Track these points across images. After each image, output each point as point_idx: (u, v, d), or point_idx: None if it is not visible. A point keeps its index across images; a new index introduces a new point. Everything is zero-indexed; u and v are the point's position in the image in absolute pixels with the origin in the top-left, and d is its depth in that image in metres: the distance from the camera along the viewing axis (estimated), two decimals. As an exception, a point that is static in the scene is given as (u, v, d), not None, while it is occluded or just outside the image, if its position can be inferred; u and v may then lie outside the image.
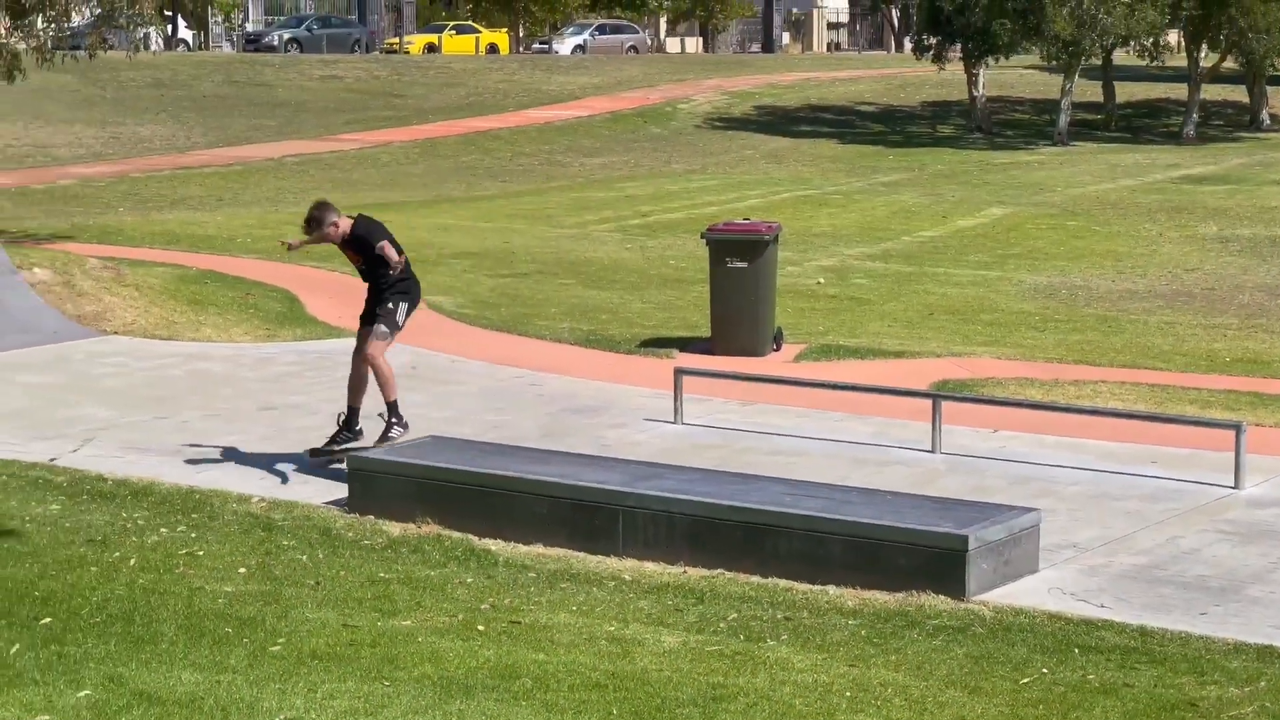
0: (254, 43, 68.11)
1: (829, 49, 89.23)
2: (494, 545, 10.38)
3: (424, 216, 29.35)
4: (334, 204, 12.26)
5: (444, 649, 8.34)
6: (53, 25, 22.12)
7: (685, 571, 9.85)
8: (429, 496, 10.85)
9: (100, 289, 18.29)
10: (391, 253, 11.79)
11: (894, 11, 74.43)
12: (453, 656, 8.24)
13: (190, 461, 12.24)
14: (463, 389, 14.88)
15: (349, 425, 12.13)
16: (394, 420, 11.95)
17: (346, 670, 7.97)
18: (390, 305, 11.98)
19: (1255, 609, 9.15)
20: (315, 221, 12.01)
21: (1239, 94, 54.07)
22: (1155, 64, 51.10)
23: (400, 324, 12.03)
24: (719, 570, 9.83)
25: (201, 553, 10.03)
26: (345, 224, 12.01)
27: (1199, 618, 9.01)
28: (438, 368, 15.84)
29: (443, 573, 9.80)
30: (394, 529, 10.68)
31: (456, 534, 10.57)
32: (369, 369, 11.97)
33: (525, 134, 45.52)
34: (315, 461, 12.09)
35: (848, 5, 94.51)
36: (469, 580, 9.67)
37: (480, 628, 8.74)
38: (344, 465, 11.56)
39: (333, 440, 12.15)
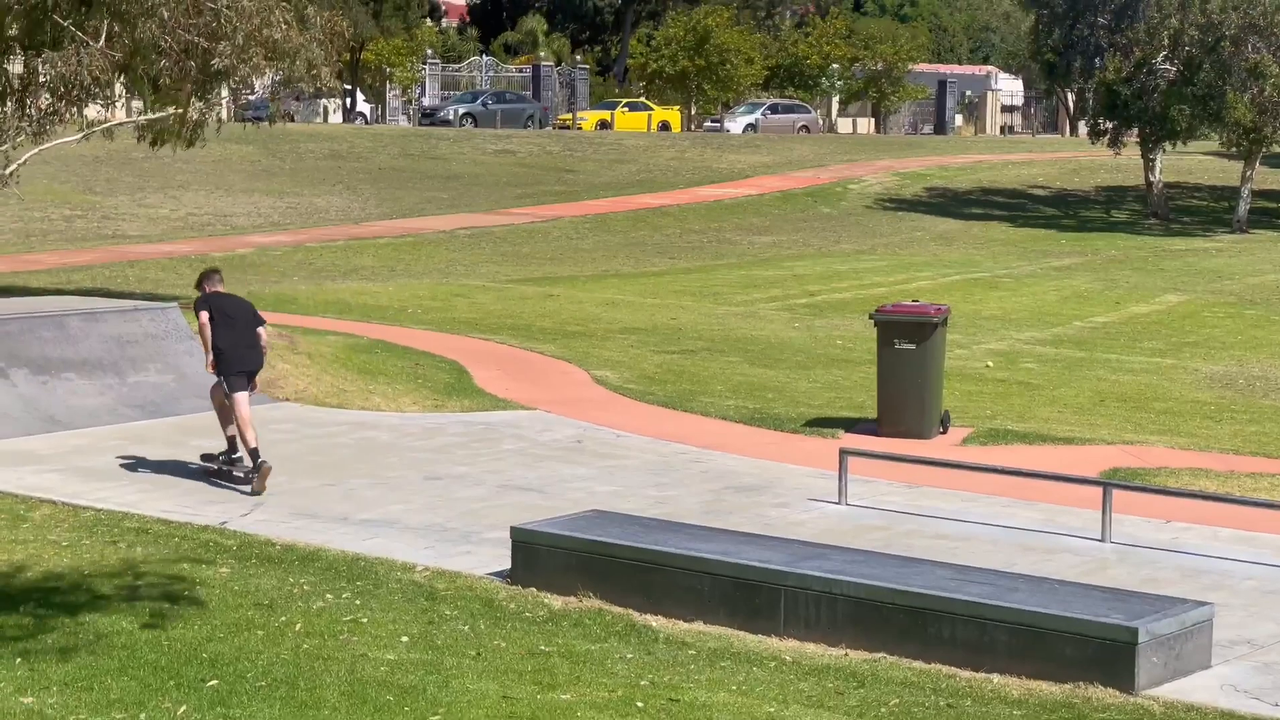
0: (429, 117, 69.23)
1: (1002, 131, 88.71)
2: (655, 621, 10.36)
3: (592, 291, 29.56)
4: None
5: (602, 724, 8.33)
6: (235, 94, 22.68)
7: (847, 654, 9.76)
8: (591, 570, 10.86)
9: (273, 356, 18.59)
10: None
11: (1069, 95, 73.85)
12: (611, 732, 8.22)
13: (356, 529, 12.39)
14: (627, 464, 14.91)
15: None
16: (234, 456, 13.99)
17: (505, 742, 7.98)
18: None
19: None
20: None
21: None
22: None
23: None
24: (881, 654, 9.72)
25: (365, 620, 10.13)
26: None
27: (1376, 721, 8.74)
28: (602, 442, 15.90)
29: (603, 647, 9.79)
30: (556, 602, 10.70)
31: (618, 609, 10.56)
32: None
33: (694, 211, 45.73)
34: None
35: (1022, 88, 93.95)
36: (629, 655, 9.65)
37: (639, 704, 8.71)
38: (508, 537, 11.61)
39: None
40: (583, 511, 11.95)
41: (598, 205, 45.74)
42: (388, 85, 75.35)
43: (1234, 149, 48.80)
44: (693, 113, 76.74)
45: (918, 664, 9.57)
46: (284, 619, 10.05)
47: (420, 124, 68.98)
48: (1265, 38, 45.29)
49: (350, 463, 14.70)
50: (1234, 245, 42.56)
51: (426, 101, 74.65)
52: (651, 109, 73.87)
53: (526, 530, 11.33)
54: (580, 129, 69.16)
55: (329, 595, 10.63)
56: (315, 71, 18.80)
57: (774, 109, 74.35)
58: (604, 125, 70.36)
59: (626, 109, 73.09)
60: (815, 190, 50.90)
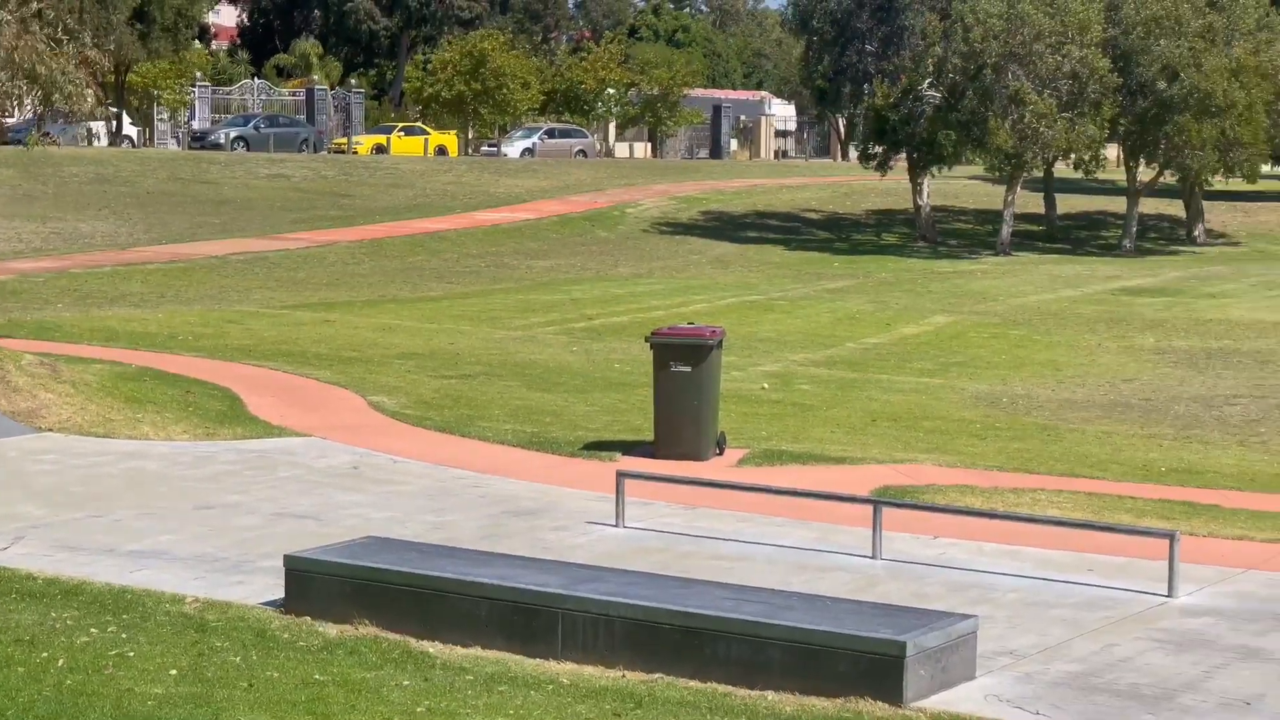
0: (200, 140, 68.16)
1: (776, 156, 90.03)
2: (431, 647, 10.31)
3: (369, 317, 29.36)
4: None
5: (378, 752, 8.26)
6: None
7: (624, 675, 9.81)
8: (367, 598, 10.78)
9: (36, 385, 18.17)
10: None
11: (840, 120, 75.24)
12: (387, 760, 8.16)
13: (123, 561, 12.13)
14: (404, 489, 14.83)
15: None
16: None
17: (278, 773, 7.88)
18: None
19: (1188, 718, 9.17)
20: None
21: (1175, 208, 54.86)
22: (1094, 177, 51.81)
23: None
24: (658, 674, 9.78)
25: (132, 654, 9.92)
26: None
27: (1134, 726, 9.03)
28: (379, 467, 15.80)
29: (379, 675, 9.72)
30: (331, 630, 10.59)
31: (394, 636, 10.49)
32: None
33: (472, 236, 45.67)
34: None
35: (795, 113, 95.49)
36: (405, 683, 9.59)
37: (412, 731, 8.66)
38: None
39: None
40: (358, 538, 11.85)
41: (374, 230, 45.44)
42: (156, 108, 74.03)
43: (997, 174, 50.21)
44: (470, 137, 76.66)
45: (694, 683, 9.65)
46: (45, 655, 9.80)
47: (190, 148, 67.89)
48: (1025, 65, 46.63)
49: (117, 493, 14.40)
50: (998, 267, 43.70)
51: (196, 125, 73.50)
52: (428, 133, 73.63)
53: (300, 558, 11.20)
54: (356, 153, 68.68)
55: (93, 629, 10.39)
56: (74, 99, 18.40)
57: (551, 133, 74.59)
58: (380, 150, 69.94)
59: (403, 133, 72.76)
60: (593, 214, 51.17)
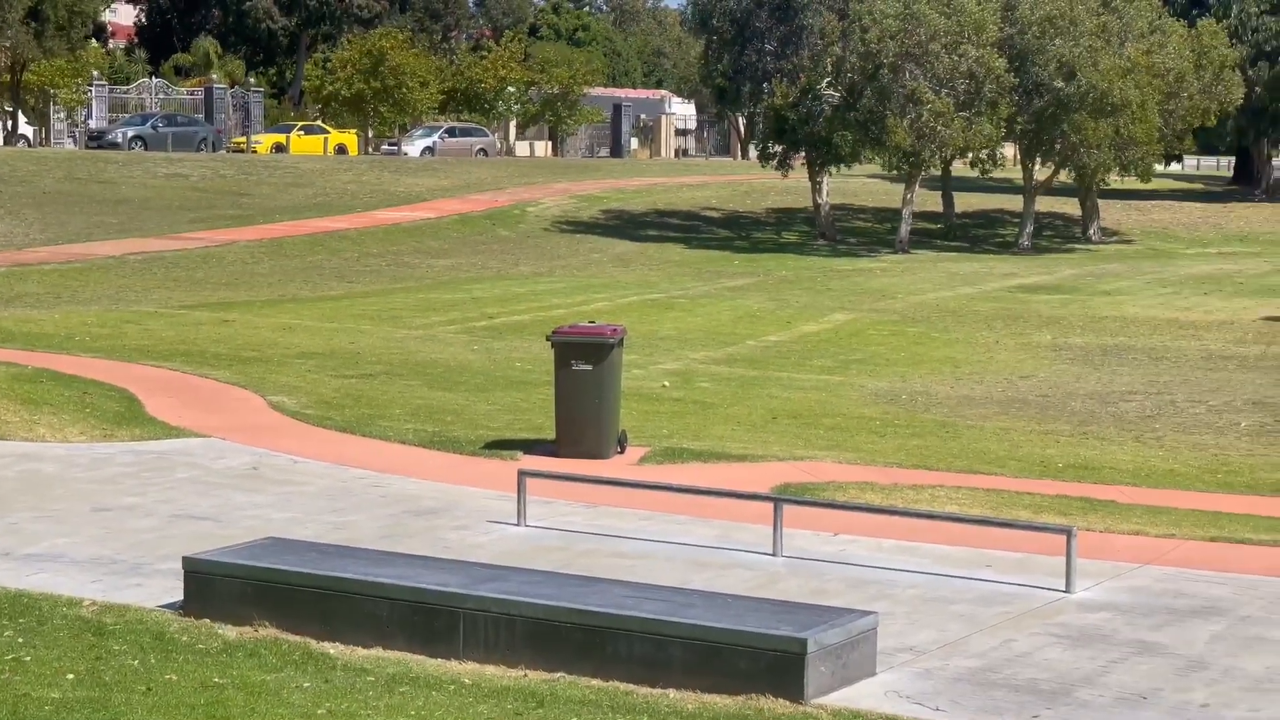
0: (97, 140, 67.35)
1: (676, 155, 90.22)
2: (332, 649, 10.26)
3: (268, 316, 29.14)
4: None
5: (278, 755, 8.21)
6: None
7: (526, 675, 9.80)
8: (267, 599, 10.70)
9: (-68, 386, 17.91)
10: None
11: (740, 119, 75.49)
12: (287, 762, 8.11)
13: (19, 564, 11.98)
14: (304, 489, 14.74)
15: None
16: None
17: (177, 777, 7.81)
18: None
19: (1085, 712, 9.28)
20: None
21: (1071, 206, 55.50)
22: (991, 176, 52.32)
23: None
24: (560, 673, 9.79)
25: (29, 658, 9.80)
26: None
27: (1032, 720, 9.13)
28: (279, 468, 15.69)
29: (279, 677, 9.65)
30: (230, 633, 10.51)
31: (294, 637, 10.43)
32: None
33: (372, 235, 45.45)
34: None
35: (695, 112, 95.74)
36: (306, 685, 9.53)
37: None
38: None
39: None
40: (258, 539, 11.77)
41: (274, 229, 45.11)
42: (52, 107, 73.09)
43: (895, 172, 50.60)
44: (369, 136, 76.26)
45: (596, 682, 9.66)
46: (-58, 660, 9.67)
47: (87, 147, 67.08)
48: (921, 65, 47.02)
49: (12, 496, 14.21)
50: (896, 265, 44.04)
51: (94, 124, 72.66)
52: (328, 132, 73.20)
53: (199, 560, 11.11)
54: (255, 152, 68.14)
55: (-9, 634, 10.26)
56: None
57: (451, 132, 74.33)
58: (279, 149, 69.45)
59: (302, 132, 72.30)
60: (493, 213, 51.06)
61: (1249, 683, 9.85)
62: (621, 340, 16.78)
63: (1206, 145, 69.07)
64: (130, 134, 66.71)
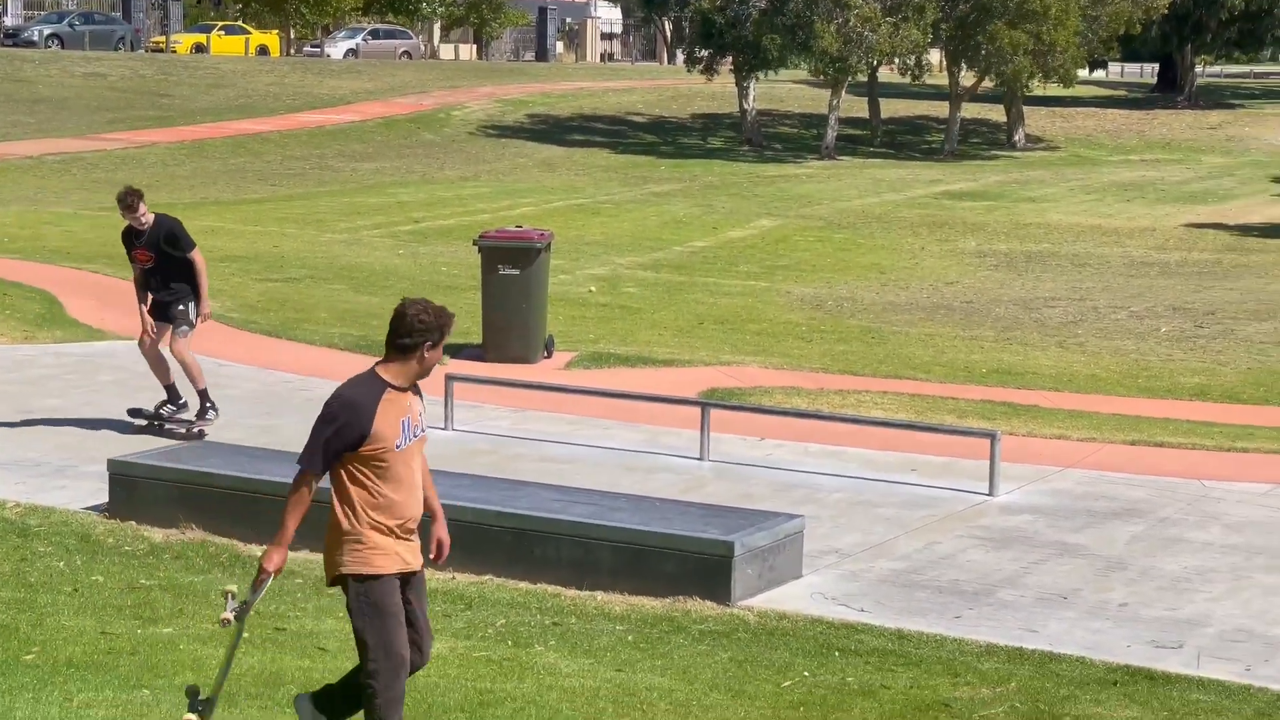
0: (13, 38, 66.17)
1: (602, 59, 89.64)
2: (259, 551, 10.21)
3: (190, 219, 28.72)
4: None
5: (206, 656, 8.21)
6: None
7: (454, 577, 9.84)
8: (193, 502, 10.68)
9: None
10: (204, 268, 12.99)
11: (667, 24, 75.05)
12: (215, 664, 8.10)
13: (-57, 466, 11.89)
14: (230, 393, 14.65)
15: (173, 399, 13.11)
16: (209, 405, 12.92)
17: (104, 679, 7.80)
18: (183, 307, 12.94)
19: (1006, 612, 9.42)
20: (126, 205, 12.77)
21: (996, 113, 55.57)
22: (918, 82, 52.29)
23: (195, 323, 13.08)
24: (488, 576, 9.83)
25: (-46, 560, 9.75)
26: (149, 217, 12.93)
27: (954, 621, 9.25)
28: (204, 371, 15.56)
29: (206, 579, 9.65)
30: (156, 535, 10.48)
31: (221, 540, 10.42)
32: (168, 354, 12.93)
33: (296, 138, 44.97)
34: (136, 422, 13.04)
35: (621, 16, 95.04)
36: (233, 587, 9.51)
37: (244, 635, 8.60)
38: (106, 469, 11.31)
39: (158, 412, 13.04)
40: (182, 442, 11.72)
41: (195, 131, 44.56)
42: (-34, 4, 71.76)
43: (821, 78, 50.45)
44: (292, 37, 75.28)
45: (524, 584, 9.72)
46: None
47: (2, 45, 65.91)
48: (851, -30, 46.77)
49: (-66, 399, 14.07)
50: (823, 171, 44.03)
51: (9, 21, 71.35)
52: (249, 32, 72.17)
53: (124, 462, 11.06)
54: (174, 52, 67.16)
55: (-86, 536, 10.19)
56: None
57: (375, 34, 73.47)
58: (200, 49, 68.44)
59: (223, 32, 71.25)
60: (418, 117, 50.62)
61: (1166, 582, 10.02)
62: (549, 245, 16.74)
63: (1131, 52, 69.27)
64: (47, 32, 65.59)
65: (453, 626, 8.95)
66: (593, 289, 22.35)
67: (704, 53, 51.46)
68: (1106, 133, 56.47)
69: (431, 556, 6.79)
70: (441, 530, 6.83)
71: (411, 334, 6.38)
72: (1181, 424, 14.50)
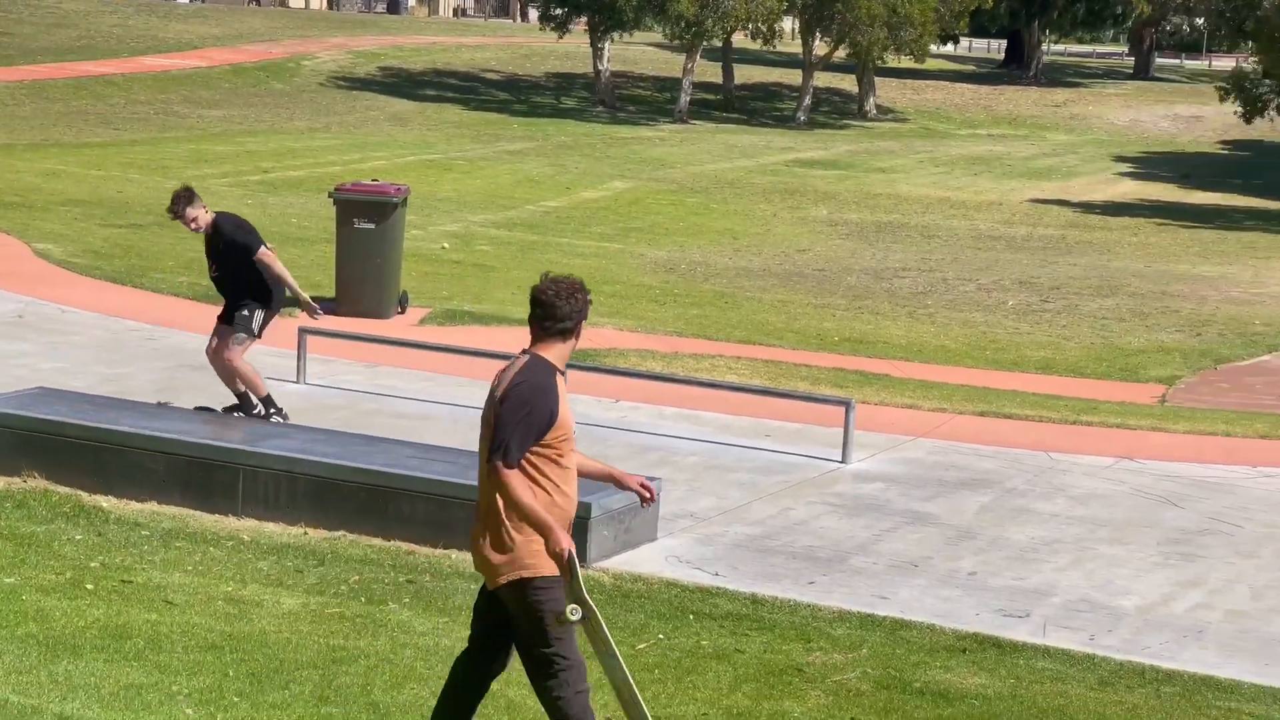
0: None
1: (455, 14, 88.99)
2: (105, 502, 10.05)
3: (30, 161, 28.19)
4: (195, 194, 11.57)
5: (50, 607, 8.03)
6: None
7: (306, 533, 9.72)
8: (36, 450, 10.42)
9: None
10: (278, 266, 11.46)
11: (521, -19, 74.62)
12: (59, 615, 7.94)
13: None
14: (74, 340, 14.35)
15: (244, 408, 11.60)
16: (274, 410, 11.57)
17: (-54, 629, 7.61)
18: (247, 312, 11.57)
19: (859, 579, 9.49)
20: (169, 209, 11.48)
21: (849, 83, 56.02)
22: (772, 49, 52.53)
23: (256, 331, 11.65)
24: (341, 532, 9.72)
25: None
26: (207, 219, 11.48)
27: (807, 586, 9.30)
28: (47, 317, 15.24)
29: (49, 529, 9.43)
30: (-2, 483, 10.24)
31: (65, 489, 10.19)
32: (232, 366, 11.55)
33: (140, 81, 44.12)
34: None
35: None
36: (78, 537, 9.33)
37: (89, 586, 8.44)
38: None
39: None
40: (26, 389, 11.44)
41: (35, 71, 43.53)
42: None
43: (676, 41, 50.48)
44: (138, -22, 73.77)
45: (378, 541, 9.62)
46: None
47: None
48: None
49: None
50: (676, 135, 44.09)
51: None
52: (94, -28, 70.58)
53: (-35, 410, 10.76)
54: (16, -11, 65.49)
55: None
56: None
57: (224, -21, 72.30)
58: (42, -13, 66.82)
59: (67, -29, 69.59)
60: (267, 65, 49.89)
61: (1014, 552, 10.15)
62: (405, 200, 16.58)
63: (980, 28, 70.13)
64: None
65: (305, 582, 8.83)
66: (446, 245, 22.19)
67: (559, 11, 51.27)
68: (955, 107, 57.15)
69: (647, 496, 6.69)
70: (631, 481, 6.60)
71: (572, 316, 6.20)
72: (1028, 396, 14.72)
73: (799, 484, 11.36)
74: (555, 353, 6.25)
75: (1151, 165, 43.93)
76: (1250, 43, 47.51)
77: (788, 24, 55.79)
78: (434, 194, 27.61)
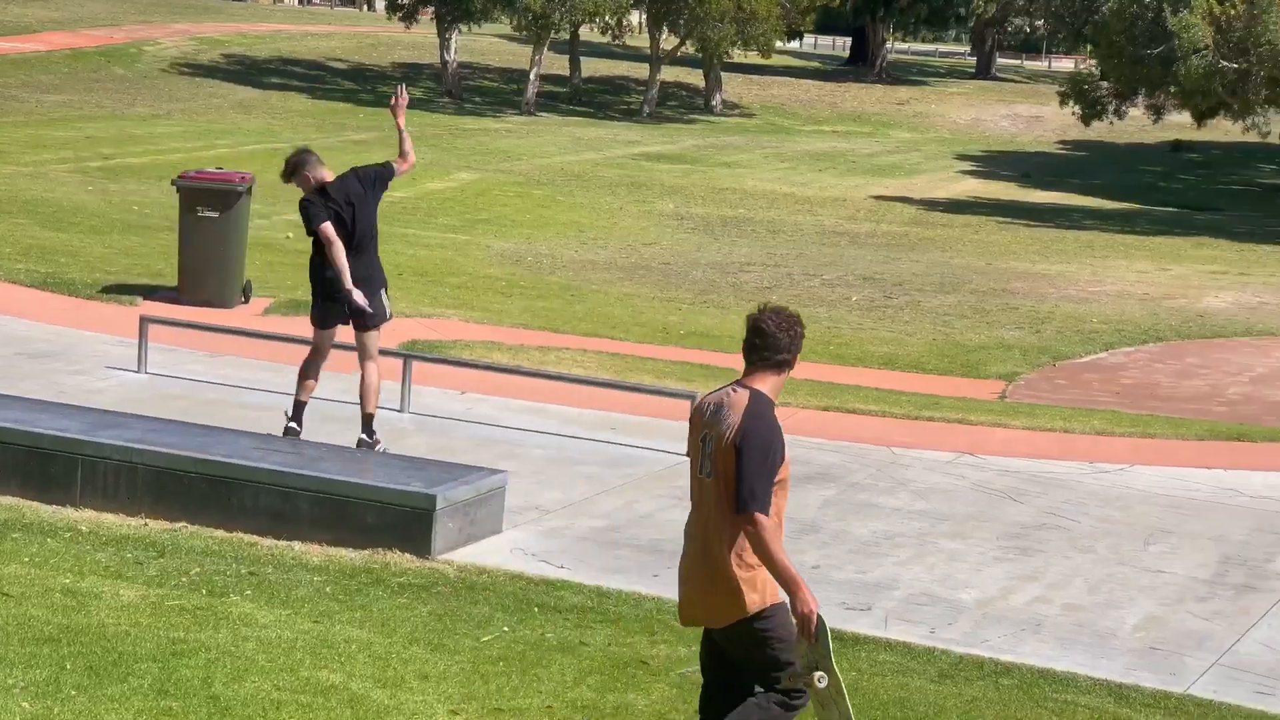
0: None
1: (301, 2, 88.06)
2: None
3: None
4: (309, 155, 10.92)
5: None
6: None
7: (146, 524, 9.58)
8: None
9: None
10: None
11: (369, -31, 74.07)
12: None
13: None
14: (-95, 328, 14.03)
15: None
16: (292, 423, 10.97)
17: None
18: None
19: (705, 571, 9.53)
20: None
21: (695, 77, 56.29)
22: (619, 43, 52.63)
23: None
24: (181, 523, 9.59)
25: None
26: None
27: (652, 579, 9.33)
28: (-123, 304, 14.88)
29: (-115, 525, 9.22)
30: None
31: (-104, 483, 9.95)
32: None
33: (-24, 64, 43.22)
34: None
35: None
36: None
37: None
38: None
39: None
40: None
41: None
42: None
43: (524, 33, 50.41)
44: (-26, -42, 72.19)
45: (220, 533, 9.51)
46: None
47: None
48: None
49: None
50: (523, 127, 44.02)
51: None
52: (-72, -49, 68.94)
53: None
54: None
55: None
56: None
57: (64, -39, 70.91)
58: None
59: (-100, -51, 67.92)
60: (108, 50, 49.05)
61: (856, 546, 10.27)
62: (250, 189, 16.41)
63: (826, 24, 70.79)
64: None
65: (145, 574, 8.70)
66: (290, 235, 21.95)
67: (405, 1, 50.97)
68: (800, 103, 57.64)
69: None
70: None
71: (790, 349, 6.07)
72: (871, 391, 14.88)
73: (645, 477, 11.40)
74: (770, 385, 6.11)
75: (993, 164, 44.64)
76: (1089, 46, 48.46)
77: (636, 18, 55.93)
78: (279, 183, 27.27)
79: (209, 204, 15.90)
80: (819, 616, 5.86)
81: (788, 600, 5.97)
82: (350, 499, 9.51)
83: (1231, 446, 13.52)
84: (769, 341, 6.04)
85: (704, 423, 6.05)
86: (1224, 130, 45.69)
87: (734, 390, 6.06)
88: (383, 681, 7.37)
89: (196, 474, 9.71)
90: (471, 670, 7.71)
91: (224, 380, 13.11)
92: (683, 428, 12.06)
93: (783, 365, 6.09)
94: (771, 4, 49.26)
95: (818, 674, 5.89)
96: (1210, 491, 12.03)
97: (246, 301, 16.25)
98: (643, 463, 11.75)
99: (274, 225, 22.58)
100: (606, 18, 48.98)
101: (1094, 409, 15.18)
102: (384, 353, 13.52)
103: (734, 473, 5.91)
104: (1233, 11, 33.97)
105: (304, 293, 17.26)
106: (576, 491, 10.90)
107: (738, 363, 15.78)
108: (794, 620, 5.95)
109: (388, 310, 10.93)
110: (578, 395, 13.25)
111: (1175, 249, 29.55)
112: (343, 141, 36.23)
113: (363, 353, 10.84)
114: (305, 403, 10.92)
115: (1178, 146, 50.46)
